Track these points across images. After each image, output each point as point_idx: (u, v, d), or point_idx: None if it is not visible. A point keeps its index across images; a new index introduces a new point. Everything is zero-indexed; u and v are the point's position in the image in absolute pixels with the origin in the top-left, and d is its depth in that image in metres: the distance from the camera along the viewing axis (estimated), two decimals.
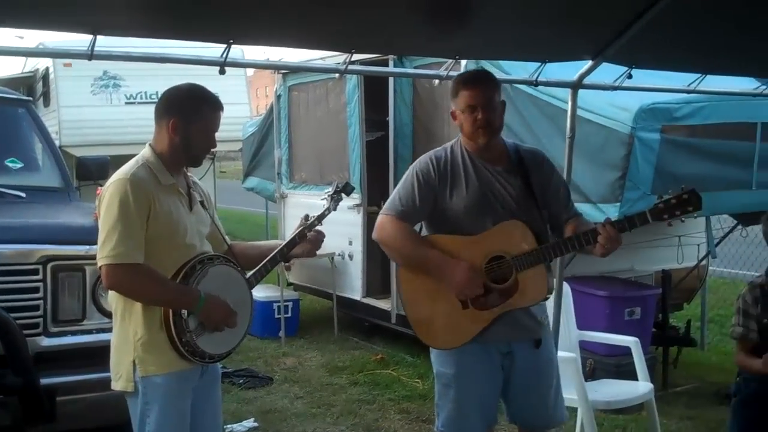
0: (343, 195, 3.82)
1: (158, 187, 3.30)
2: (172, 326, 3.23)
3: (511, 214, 3.64)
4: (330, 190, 3.82)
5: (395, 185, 8.49)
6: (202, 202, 3.52)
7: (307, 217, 3.67)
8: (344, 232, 8.57)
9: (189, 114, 3.35)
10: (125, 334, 3.29)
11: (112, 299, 3.36)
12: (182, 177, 3.47)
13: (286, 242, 3.63)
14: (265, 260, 3.55)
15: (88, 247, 4.53)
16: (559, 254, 3.53)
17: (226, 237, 3.66)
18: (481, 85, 3.69)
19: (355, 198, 8.35)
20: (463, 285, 3.54)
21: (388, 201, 3.75)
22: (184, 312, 3.24)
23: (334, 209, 3.79)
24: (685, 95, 5.91)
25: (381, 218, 3.71)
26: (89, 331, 4.80)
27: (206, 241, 3.49)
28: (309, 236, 3.65)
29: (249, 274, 3.53)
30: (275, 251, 3.58)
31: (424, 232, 3.79)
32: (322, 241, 3.68)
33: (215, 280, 3.33)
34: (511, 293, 3.57)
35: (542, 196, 3.71)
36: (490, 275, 3.57)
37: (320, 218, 3.67)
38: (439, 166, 3.70)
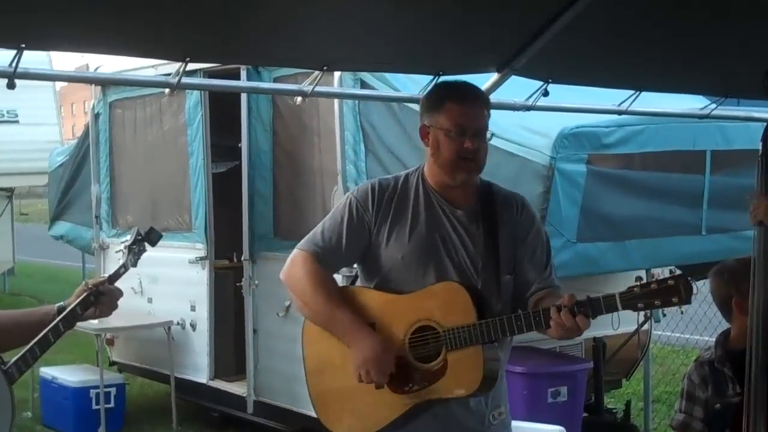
0: (146, 245, 3.73)
1: None
2: None
3: (460, 272, 3.63)
4: (128, 239, 3.73)
5: (250, 231, 8.41)
6: None
7: (107, 279, 3.54)
8: (184, 293, 8.47)
9: None
10: None
11: None
12: None
13: (61, 316, 3.38)
14: (32, 342, 3.35)
15: None
16: (499, 336, 3.50)
17: None
18: (480, 104, 3.66)
19: (199, 249, 8.31)
20: (365, 365, 3.52)
21: (310, 233, 3.75)
22: None
23: (134, 265, 3.68)
24: (616, 117, 6.02)
25: (294, 254, 3.71)
26: None
27: None
28: (101, 300, 3.49)
29: (9, 363, 3.33)
30: (47, 329, 3.38)
31: (360, 282, 3.79)
32: (119, 299, 3.54)
33: None
34: (437, 377, 3.54)
35: (510, 255, 3.69)
36: (416, 350, 3.56)
37: (113, 279, 3.55)
38: (381, 199, 3.69)
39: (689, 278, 7.96)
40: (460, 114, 3.60)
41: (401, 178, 3.79)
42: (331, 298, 3.64)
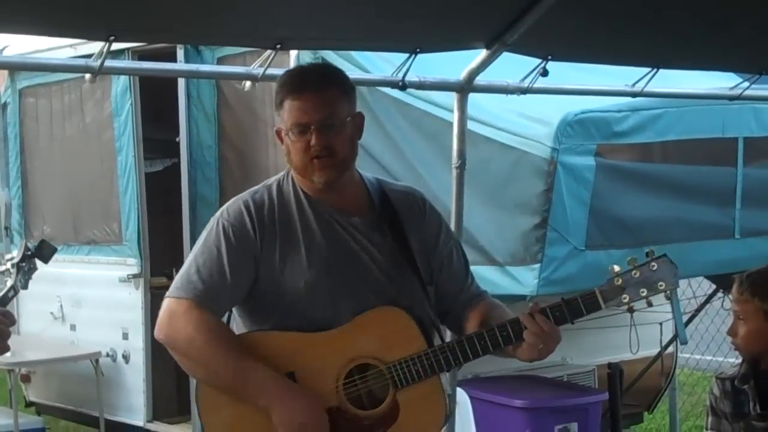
0: (37, 261, 3.71)
1: None
2: None
3: (379, 293, 3.61)
4: (15, 255, 3.71)
5: (192, 242, 8.38)
6: None
7: None
8: (114, 319, 8.42)
9: None
10: None
11: None
12: None
13: None
14: None
15: None
16: (459, 361, 3.50)
17: None
18: (317, 89, 3.61)
19: (131, 264, 8.27)
20: (300, 429, 3.45)
21: (179, 276, 3.64)
22: None
23: (24, 287, 3.67)
24: (629, 99, 6.08)
25: (168, 305, 3.60)
26: None
27: None
28: None
29: None
30: None
31: (244, 327, 3.71)
32: (12, 326, 3.49)
33: None
34: (387, 423, 3.53)
35: (425, 265, 3.70)
36: (352, 395, 3.54)
37: (2, 303, 3.53)
38: (261, 218, 3.64)
39: (721, 291, 8.03)
40: (299, 110, 3.58)
41: (272, 188, 3.75)
42: (231, 351, 3.54)
